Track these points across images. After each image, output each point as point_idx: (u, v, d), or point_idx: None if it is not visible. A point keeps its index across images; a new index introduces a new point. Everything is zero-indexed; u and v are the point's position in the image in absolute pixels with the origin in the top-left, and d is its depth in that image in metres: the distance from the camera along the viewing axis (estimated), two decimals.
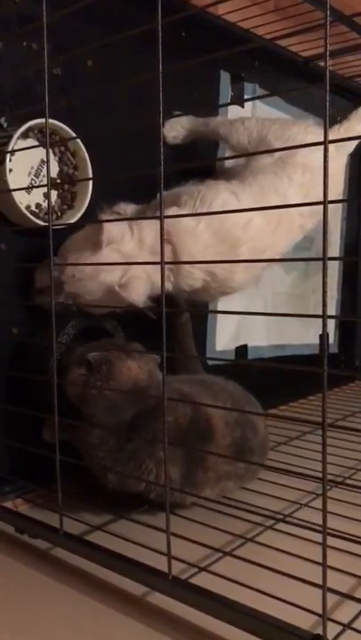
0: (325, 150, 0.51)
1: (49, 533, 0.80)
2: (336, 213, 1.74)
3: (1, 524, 0.88)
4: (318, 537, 0.57)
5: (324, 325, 0.53)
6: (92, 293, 0.91)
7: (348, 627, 0.62)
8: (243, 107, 1.33)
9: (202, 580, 0.67)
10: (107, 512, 0.89)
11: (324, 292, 0.52)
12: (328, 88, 0.51)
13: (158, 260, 0.87)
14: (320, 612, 0.56)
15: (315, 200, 1.08)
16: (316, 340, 1.63)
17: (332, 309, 1.76)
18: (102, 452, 0.86)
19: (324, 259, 0.51)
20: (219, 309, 1.28)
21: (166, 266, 0.94)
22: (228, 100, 1.30)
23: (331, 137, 0.51)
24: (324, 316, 0.53)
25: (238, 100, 1.32)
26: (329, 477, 0.56)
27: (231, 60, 1.31)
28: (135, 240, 0.92)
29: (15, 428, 0.94)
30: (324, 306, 0.52)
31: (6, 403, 0.95)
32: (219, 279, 0.99)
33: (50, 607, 0.72)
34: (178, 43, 1.17)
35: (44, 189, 0.94)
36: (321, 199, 0.52)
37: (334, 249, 1.77)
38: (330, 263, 0.52)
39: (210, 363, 1.27)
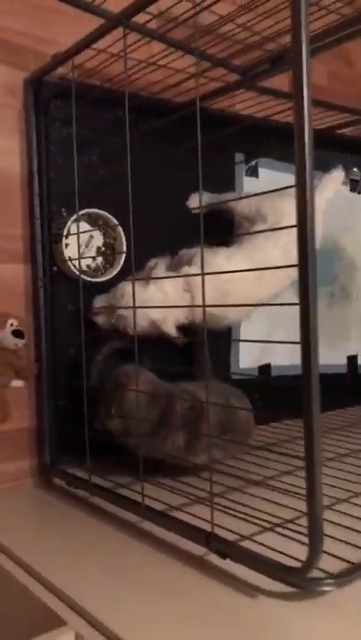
0: None
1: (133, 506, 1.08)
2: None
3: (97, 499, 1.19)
4: None
5: None
6: (139, 322, 1.26)
7: None
8: (257, 177, 1.68)
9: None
10: (182, 496, 1.14)
11: None
12: None
13: (183, 302, 1.28)
14: None
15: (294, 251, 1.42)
16: (340, 362, 1.86)
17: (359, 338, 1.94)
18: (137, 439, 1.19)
19: None
20: (242, 332, 1.59)
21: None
22: (243, 174, 1.66)
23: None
24: None
25: (252, 173, 1.68)
26: None
27: (246, 142, 1.66)
28: (172, 286, 1.33)
29: (72, 419, 1.33)
30: None
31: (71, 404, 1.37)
32: (216, 317, 1.40)
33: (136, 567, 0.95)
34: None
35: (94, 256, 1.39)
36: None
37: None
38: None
39: (233, 378, 1.56)
